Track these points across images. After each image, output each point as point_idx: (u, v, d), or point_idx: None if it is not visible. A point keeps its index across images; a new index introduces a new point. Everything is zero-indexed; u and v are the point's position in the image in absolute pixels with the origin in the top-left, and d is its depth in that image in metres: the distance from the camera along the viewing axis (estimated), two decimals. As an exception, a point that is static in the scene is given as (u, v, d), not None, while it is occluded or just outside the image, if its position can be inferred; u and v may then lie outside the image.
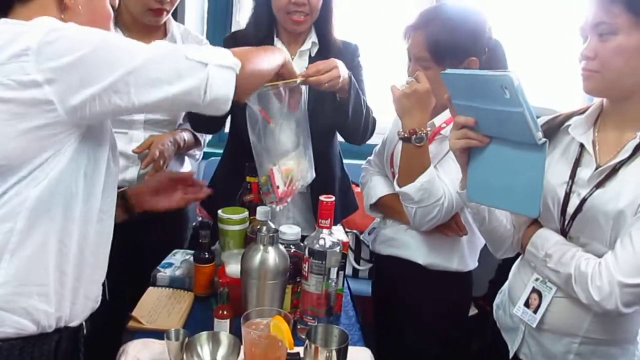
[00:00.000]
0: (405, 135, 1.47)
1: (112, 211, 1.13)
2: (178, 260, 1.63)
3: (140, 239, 1.86)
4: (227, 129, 1.90)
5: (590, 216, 1.17)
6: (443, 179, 1.49)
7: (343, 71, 1.52)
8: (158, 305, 1.43)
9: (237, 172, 1.66)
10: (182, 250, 1.71)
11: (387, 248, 1.70)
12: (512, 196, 1.13)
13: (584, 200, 1.18)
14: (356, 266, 2.67)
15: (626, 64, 1.10)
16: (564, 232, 1.23)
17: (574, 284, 1.16)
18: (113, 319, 1.44)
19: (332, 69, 1.48)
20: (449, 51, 1.45)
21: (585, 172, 1.20)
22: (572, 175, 1.22)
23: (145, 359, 1.23)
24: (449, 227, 1.56)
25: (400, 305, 1.68)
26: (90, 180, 1.04)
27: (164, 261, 1.63)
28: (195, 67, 0.98)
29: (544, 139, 1.05)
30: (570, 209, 1.20)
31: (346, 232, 2.69)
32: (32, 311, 1.00)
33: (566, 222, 1.22)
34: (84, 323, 1.16)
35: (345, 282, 1.58)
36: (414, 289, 1.63)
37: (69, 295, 1.06)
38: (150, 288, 1.52)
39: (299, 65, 1.66)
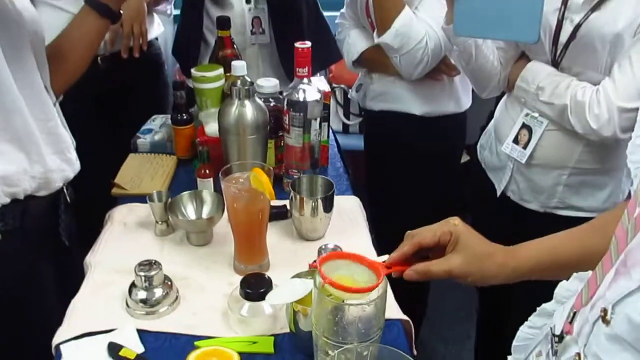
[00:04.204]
0: None
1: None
2: (157, 125, 1.58)
3: (122, 110, 1.81)
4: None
5: (586, 42, 1.11)
6: (425, 19, 1.40)
7: None
8: (140, 171, 1.40)
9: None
10: (160, 115, 1.65)
11: (379, 103, 1.64)
12: (507, 24, 1.04)
13: (578, 26, 1.11)
14: (346, 121, 2.63)
15: None
16: (555, 63, 1.18)
17: (570, 114, 1.13)
18: (99, 189, 1.43)
19: None
20: None
21: None
22: (565, 1, 1.13)
23: (131, 223, 1.23)
24: (438, 72, 1.50)
25: (396, 157, 1.65)
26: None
27: (143, 127, 1.58)
28: None
29: None
30: (563, 37, 1.14)
31: (333, 88, 2.62)
32: None
33: (558, 52, 1.16)
34: (64, 190, 1.16)
35: (332, 134, 1.55)
36: (410, 139, 1.60)
37: (21, 170, 1.02)
38: (131, 155, 1.48)
39: None
